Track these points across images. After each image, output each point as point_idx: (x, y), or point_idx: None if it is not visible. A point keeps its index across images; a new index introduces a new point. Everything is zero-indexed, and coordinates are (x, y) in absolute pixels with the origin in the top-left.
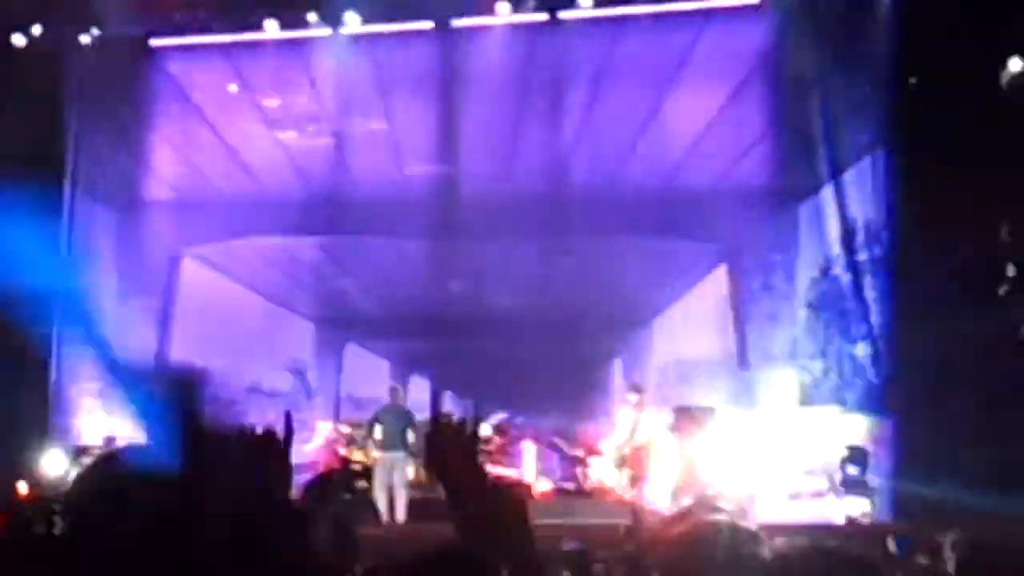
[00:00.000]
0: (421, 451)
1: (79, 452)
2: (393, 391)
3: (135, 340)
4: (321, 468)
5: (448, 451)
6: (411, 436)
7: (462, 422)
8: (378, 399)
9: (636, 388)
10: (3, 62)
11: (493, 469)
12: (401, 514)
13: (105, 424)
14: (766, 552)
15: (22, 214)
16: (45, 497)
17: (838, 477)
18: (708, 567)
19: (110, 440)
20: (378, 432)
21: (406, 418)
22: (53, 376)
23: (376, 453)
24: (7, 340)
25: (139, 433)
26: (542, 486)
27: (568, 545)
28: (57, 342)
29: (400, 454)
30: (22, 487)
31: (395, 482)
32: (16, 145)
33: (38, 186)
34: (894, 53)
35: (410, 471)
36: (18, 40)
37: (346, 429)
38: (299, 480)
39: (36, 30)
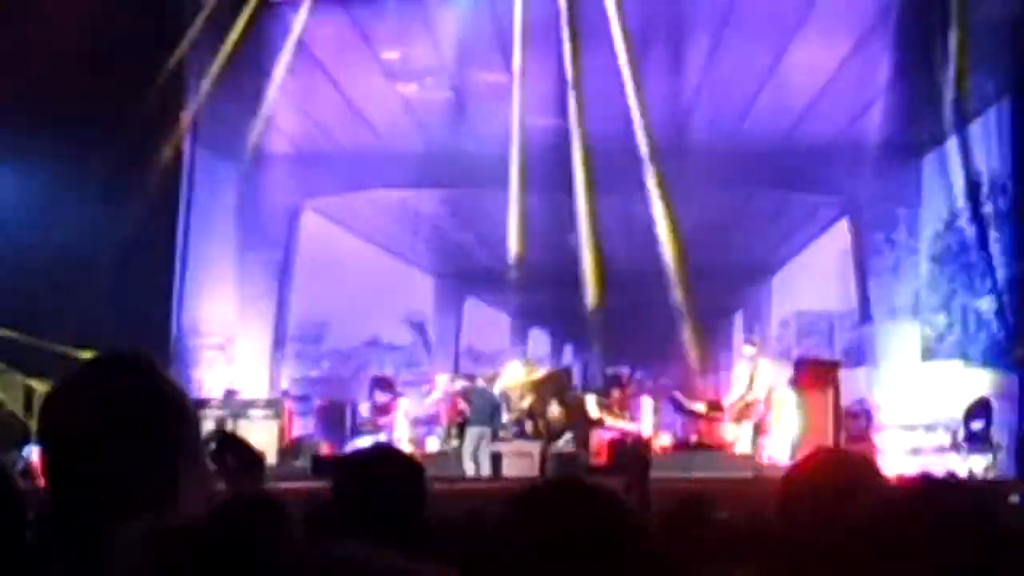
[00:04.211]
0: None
1: (199, 405)
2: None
3: (256, 292)
4: (444, 420)
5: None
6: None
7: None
8: (498, 352)
9: (751, 341)
10: (124, 15)
11: (613, 423)
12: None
13: (226, 376)
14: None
15: None
16: None
17: (961, 433)
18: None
19: (230, 393)
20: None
21: (494, 400)
22: (174, 330)
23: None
24: (124, 292)
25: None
26: (662, 440)
27: None
28: (178, 294)
29: (487, 429)
30: None
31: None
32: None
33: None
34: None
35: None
36: None
37: (465, 383)
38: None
39: None
